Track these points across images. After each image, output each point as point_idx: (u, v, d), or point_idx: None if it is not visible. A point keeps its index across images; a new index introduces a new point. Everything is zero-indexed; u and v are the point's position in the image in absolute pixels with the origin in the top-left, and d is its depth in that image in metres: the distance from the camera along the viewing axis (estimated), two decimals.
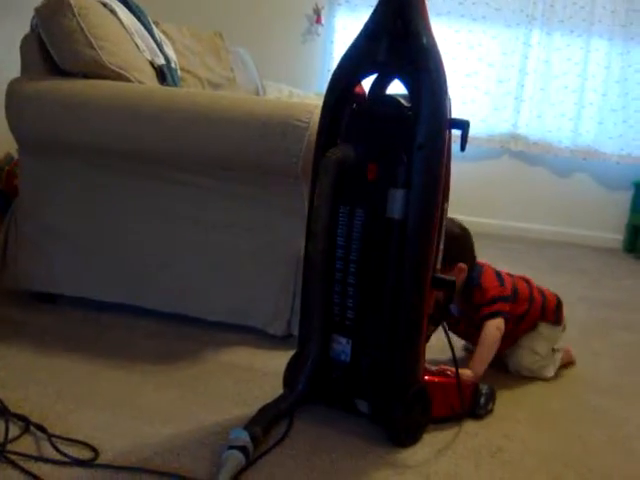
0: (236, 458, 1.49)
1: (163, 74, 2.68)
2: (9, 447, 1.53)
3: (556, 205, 5.28)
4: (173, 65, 2.83)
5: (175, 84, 2.79)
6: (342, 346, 1.81)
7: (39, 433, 1.60)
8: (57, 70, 2.36)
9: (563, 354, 2.35)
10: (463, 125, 1.69)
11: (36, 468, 1.46)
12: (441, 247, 1.74)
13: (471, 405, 1.92)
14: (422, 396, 1.77)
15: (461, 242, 2.17)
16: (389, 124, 1.72)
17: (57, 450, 1.53)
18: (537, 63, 5.13)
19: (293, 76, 5.01)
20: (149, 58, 2.64)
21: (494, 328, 2.08)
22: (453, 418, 1.87)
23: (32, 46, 2.38)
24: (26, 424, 1.62)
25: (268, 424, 1.67)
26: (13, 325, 2.27)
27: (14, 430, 1.60)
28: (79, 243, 2.39)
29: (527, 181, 5.30)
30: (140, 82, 2.40)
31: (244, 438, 1.54)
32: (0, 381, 1.80)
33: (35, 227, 2.41)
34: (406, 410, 1.73)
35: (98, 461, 1.51)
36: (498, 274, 2.21)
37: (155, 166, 2.28)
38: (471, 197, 5.22)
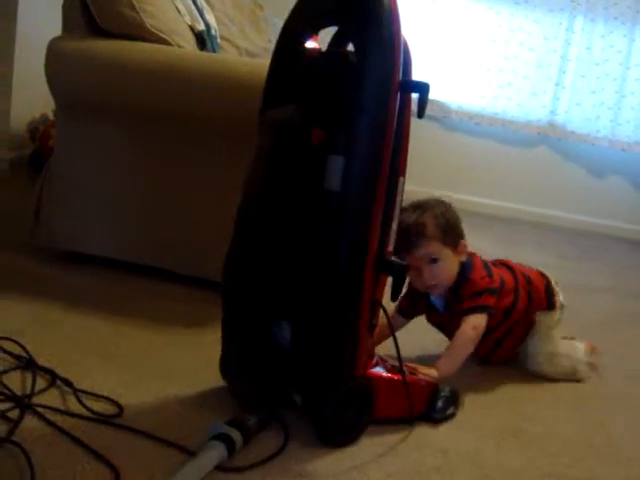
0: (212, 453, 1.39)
1: (203, 40, 2.67)
2: (35, 399, 1.55)
3: (591, 195, 5.21)
4: (213, 32, 2.82)
5: (214, 51, 2.79)
6: (283, 331, 1.62)
7: (65, 387, 1.62)
8: (98, 30, 2.36)
9: (588, 347, 2.21)
10: (421, 88, 1.52)
11: (60, 421, 1.48)
12: (394, 227, 1.56)
13: (426, 408, 1.73)
14: (359, 393, 1.59)
15: (458, 217, 1.97)
16: (335, 83, 1.54)
17: (82, 404, 1.55)
18: (579, 49, 5.06)
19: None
20: (189, 23, 2.63)
21: (470, 327, 1.88)
22: (402, 420, 1.69)
23: (74, 5, 2.37)
24: (52, 377, 1.65)
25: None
26: (43, 282, 2.29)
27: (40, 383, 1.62)
28: (111, 204, 2.40)
29: (562, 169, 5.24)
30: (180, 46, 2.40)
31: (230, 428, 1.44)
32: (28, 335, 1.82)
33: (68, 186, 2.43)
34: (337, 407, 1.54)
35: (122, 418, 1.53)
36: (486, 264, 2.02)
37: (191, 131, 2.28)
38: (505, 182, 5.20)
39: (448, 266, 1.91)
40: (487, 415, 1.83)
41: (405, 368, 1.66)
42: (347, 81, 1.48)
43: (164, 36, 2.35)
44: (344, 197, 1.48)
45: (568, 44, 5.06)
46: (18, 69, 3.90)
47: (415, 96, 1.53)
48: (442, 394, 1.74)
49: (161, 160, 2.33)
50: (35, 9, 3.90)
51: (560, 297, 2.13)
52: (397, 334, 1.65)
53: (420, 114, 1.53)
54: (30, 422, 1.46)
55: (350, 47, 1.56)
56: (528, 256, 3.91)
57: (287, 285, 1.60)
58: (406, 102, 1.53)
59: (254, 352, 1.65)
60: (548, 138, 5.18)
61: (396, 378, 1.65)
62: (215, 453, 1.37)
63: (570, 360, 2.12)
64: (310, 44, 1.60)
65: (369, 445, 1.59)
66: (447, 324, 2.01)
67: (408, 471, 1.52)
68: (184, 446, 1.44)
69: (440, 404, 1.73)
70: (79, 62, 2.30)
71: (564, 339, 2.15)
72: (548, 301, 2.10)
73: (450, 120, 5.20)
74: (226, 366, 1.67)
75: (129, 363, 1.79)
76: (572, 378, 2.12)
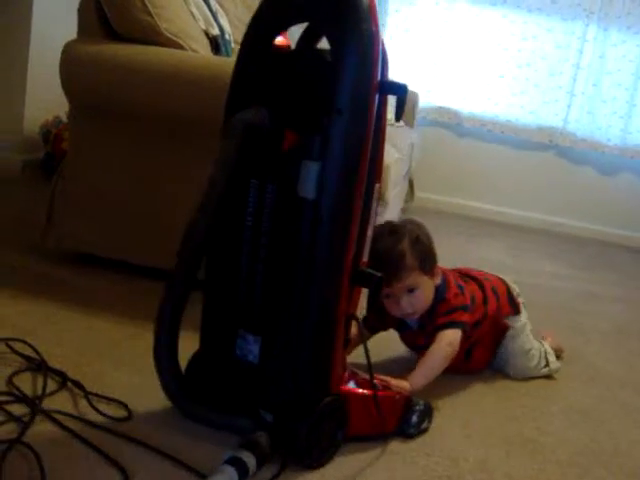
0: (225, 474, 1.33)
1: (217, 45, 2.69)
2: (46, 401, 1.55)
3: (599, 203, 5.21)
4: (227, 37, 2.83)
5: (228, 55, 2.79)
6: (249, 345, 1.52)
7: (76, 389, 1.62)
8: (113, 34, 2.37)
9: (551, 341, 2.26)
10: (400, 89, 1.43)
11: (71, 423, 1.48)
12: (369, 235, 1.49)
13: (400, 423, 1.66)
14: (335, 411, 1.49)
15: (432, 241, 1.90)
16: (309, 83, 1.45)
17: (93, 407, 1.56)
18: (592, 58, 5.06)
19: None
20: (204, 27, 2.64)
21: (445, 343, 1.83)
22: (376, 437, 1.62)
23: (89, 9, 2.38)
24: (63, 379, 1.65)
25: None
26: (57, 284, 2.30)
27: (51, 385, 1.63)
28: (123, 207, 2.40)
29: (572, 177, 5.24)
30: (194, 51, 2.41)
31: (243, 454, 1.37)
32: (39, 337, 1.82)
33: (80, 189, 2.43)
34: (312, 427, 1.44)
35: (132, 421, 1.53)
36: (457, 283, 1.95)
37: (206, 136, 2.28)
38: (515, 189, 5.21)
39: (426, 293, 1.86)
40: (496, 424, 1.83)
41: (376, 381, 1.59)
42: (322, 81, 1.40)
43: (178, 40, 2.36)
44: (319, 205, 1.38)
45: (580, 53, 5.06)
46: (32, 72, 3.92)
47: (393, 98, 1.46)
48: (417, 408, 1.68)
49: (175, 164, 2.34)
50: (50, 12, 3.92)
51: (521, 299, 2.15)
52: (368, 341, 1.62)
53: (398, 117, 1.48)
54: (41, 424, 1.46)
55: (321, 45, 1.51)
56: (538, 265, 3.93)
57: (254, 297, 1.51)
58: (383, 104, 1.44)
59: (218, 365, 1.59)
60: (559, 146, 5.19)
61: (369, 394, 1.57)
62: (224, 478, 1.33)
63: (541, 355, 2.14)
64: (279, 41, 1.51)
65: (376, 451, 1.58)
66: (420, 343, 1.93)
67: (417, 478, 1.51)
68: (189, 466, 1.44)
69: (415, 418, 1.67)
70: (94, 65, 2.30)
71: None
72: (512, 306, 2.09)
73: (462, 127, 5.21)
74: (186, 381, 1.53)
75: (139, 366, 1.79)
76: (545, 373, 2.15)
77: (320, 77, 1.42)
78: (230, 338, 1.55)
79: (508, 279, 2.18)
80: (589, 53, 5.07)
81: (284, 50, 1.52)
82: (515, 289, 2.15)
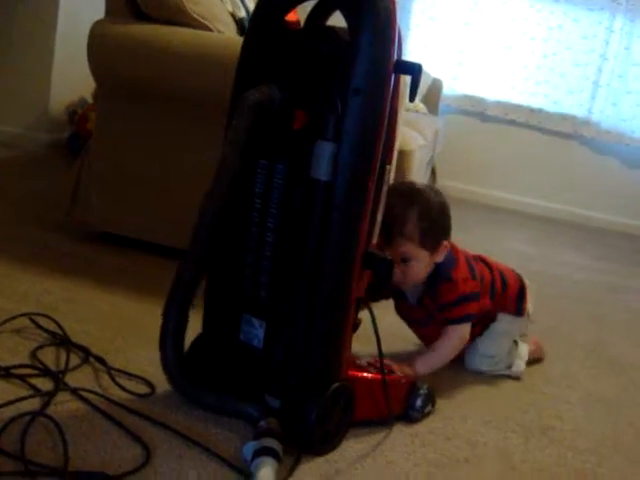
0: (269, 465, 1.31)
1: (243, 27, 2.68)
2: (68, 375, 1.57)
3: (624, 195, 5.17)
4: None
5: None
6: (254, 329, 1.50)
7: (98, 365, 1.64)
8: (140, 15, 2.38)
9: (532, 346, 2.10)
10: (414, 69, 1.39)
11: (93, 398, 1.49)
12: (379, 219, 1.46)
13: (404, 407, 1.64)
14: (343, 396, 1.48)
15: (448, 215, 1.80)
16: (323, 62, 1.40)
17: (115, 382, 1.57)
18: (618, 49, 5.03)
19: None
20: (230, 10, 2.64)
21: (457, 338, 1.81)
22: (380, 422, 1.59)
23: None
24: (86, 355, 1.67)
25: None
26: (81, 261, 2.32)
27: (74, 360, 1.64)
28: (148, 187, 2.42)
29: (596, 168, 5.21)
30: (220, 32, 2.41)
31: (269, 442, 1.35)
32: (64, 312, 1.84)
33: (106, 168, 2.45)
34: (322, 413, 1.42)
35: (154, 397, 1.55)
36: (469, 264, 1.85)
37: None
38: (538, 179, 5.18)
39: (420, 267, 1.76)
40: (515, 411, 1.83)
41: (377, 363, 1.58)
42: (336, 60, 1.37)
43: (205, 22, 2.36)
44: (333, 187, 1.35)
45: (606, 43, 5.03)
46: (58, 53, 3.95)
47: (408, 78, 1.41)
48: (421, 392, 1.65)
49: (199, 143, 2.34)
50: None
51: (530, 306, 2.02)
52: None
53: (412, 97, 1.42)
54: (63, 398, 1.48)
55: (329, 22, 1.49)
56: (561, 255, 3.91)
57: (260, 281, 1.49)
58: (396, 83, 1.41)
59: (221, 349, 1.57)
60: (583, 136, 5.15)
61: (376, 378, 1.56)
62: (271, 470, 1.30)
63: (507, 359, 2.00)
64: (289, 17, 1.47)
65: (396, 434, 1.59)
66: (417, 317, 1.92)
67: (436, 461, 1.52)
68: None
69: (419, 402, 1.65)
70: (121, 45, 2.31)
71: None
72: (517, 306, 1.98)
73: (486, 115, 5.19)
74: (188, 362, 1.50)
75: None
76: (506, 374, 2.00)
77: (333, 55, 1.39)
78: (234, 322, 1.53)
79: (530, 284, 2.05)
80: (615, 44, 5.03)
81: (294, 27, 1.47)
82: (529, 294, 2.02)
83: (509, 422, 1.75)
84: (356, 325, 1.52)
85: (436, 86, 4.65)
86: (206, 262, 1.44)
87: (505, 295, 1.95)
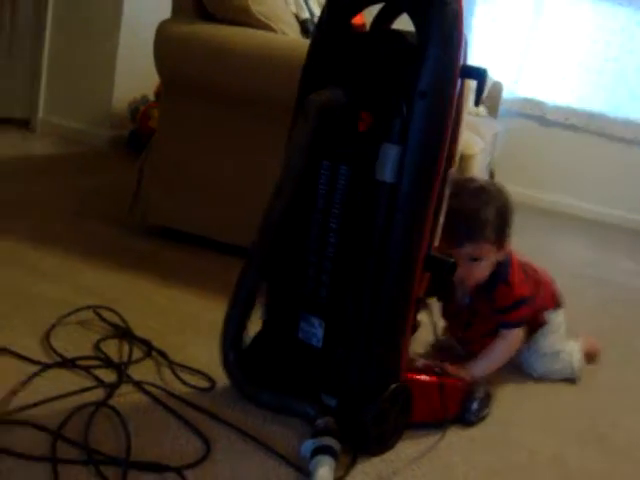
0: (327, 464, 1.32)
1: (306, 28, 2.70)
2: (131, 368, 1.60)
3: None
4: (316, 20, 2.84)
5: None
6: (314, 328, 1.51)
7: (160, 358, 1.67)
8: (206, 15, 2.41)
9: (587, 344, 2.09)
10: (480, 74, 1.39)
11: (155, 390, 1.52)
12: (441, 220, 1.46)
13: (461, 410, 1.63)
14: (401, 397, 1.48)
15: (513, 212, 1.79)
16: (390, 65, 1.41)
17: (176, 376, 1.60)
18: None
19: None
20: (294, 11, 2.66)
21: (516, 341, 1.82)
22: (435, 425, 1.58)
23: None
24: (148, 348, 1.70)
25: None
26: (142, 256, 2.36)
27: (136, 353, 1.68)
28: (209, 185, 2.45)
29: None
30: (284, 34, 2.43)
31: (327, 440, 1.36)
32: (127, 306, 1.88)
33: (168, 165, 2.48)
34: (379, 414, 1.43)
35: (214, 391, 1.57)
36: (520, 265, 1.86)
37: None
38: (599, 185, 5.11)
39: (487, 266, 1.76)
40: (571, 418, 1.82)
41: (436, 368, 1.61)
42: (402, 63, 1.38)
43: (269, 22, 2.39)
44: (398, 189, 1.36)
45: None
46: (122, 51, 4.01)
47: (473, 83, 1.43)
48: (477, 395, 1.65)
49: (261, 144, 2.36)
50: None
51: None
52: None
53: (477, 102, 1.44)
54: (126, 389, 1.51)
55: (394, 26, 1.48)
56: (619, 262, 3.86)
57: (322, 281, 1.50)
58: (462, 88, 1.41)
59: (279, 347, 1.58)
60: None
61: (433, 381, 1.56)
62: (329, 468, 1.31)
63: (569, 358, 2.00)
64: (355, 20, 1.48)
65: (453, 437, 1.59)
66: (463, 319, 1.90)
67: (492, 466, 1.52)
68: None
69: (475, 406, 1.64)
70: (187, 45, 2.34)
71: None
72: (555, 300, 1.99)
73: (545, 119, 5.13)
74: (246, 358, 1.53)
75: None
76: (568, 376, 2.00)
77: (399, 59, 1.39)
78: (293, 321, 1.54)
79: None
80: None
81: (360, 30, 1.49)
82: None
83: (564, 431, 1.74)
84: (415, 327, 1.53)
85: (496, 89, 4.61)
86: (269, 264, 1.46)
87: (543, 292, 1.94)
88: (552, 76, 5.10)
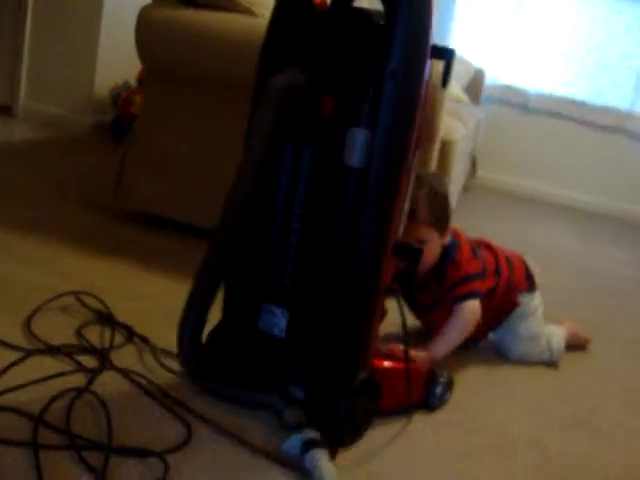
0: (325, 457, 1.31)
1: None
2: (113, 353, 1.60)
3: None
4: None
5: None
6: (276, 318, 1.47)
7: (141, 344, 1.67)
8: (187, 0, 2.40)
9: (570, 329, 2.12)
10: (448, 54, 1.35)
11: (137, 377, 1.52)
12: (406, 206, 1.42)
13: (424, 395, 1.63)
14: (370, 386, 1.45)
15: (449, 196, 1.83)
16: (354, 46, 1.35)
17: (158, 362, 1.60)
18: None
19: None
20: None
21: (468, 312, 1.79)
22: (400, 411, 1.56)
23: None
24: (130, 334, 1.70)
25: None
26: (124, 242, 2.36)
27: (118, 338, 1.68)
28: (191, 171, 2.44)
29: (638, 162, 5.13)
30: (266, 18, 2.42)
31: (311, 433, 1.35)
32: (108, 292, 1.87)
33: (150, 151, 2.48)
34: (351, 404, 1.40)
35: None
36: (472, 246, 1.88)
37: None
38: (581, 172, 5.11)
39: (432, 250, 1.77)
40: (551, 402, 1.83)
41: (396, 352, 1.57)
42: (371, 43, 1.32)
43: (251, 7, 2.38)
44: (367, 174, 1.32)
45: None
46: (104, 36, 3.98)
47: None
48: (440, 379, 1.65)
49: (243, 127, 2.35)
50: None
51: (539, 278, 2.04)
52: None
53: (444, 82, 1.39)
54: (108, 375, 1.51)
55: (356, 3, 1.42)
56: (602, 250, 3.88)
57: (285, 270, 1.45)
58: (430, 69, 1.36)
59: (239, 338, 1.54)
60: (626, 130, 5.08)
61: (398, 367, 1.53)
62: (329, 462, 1.31)
63: (548, 342, 2.03)
64: None
65: (431, 422, 1.60)
66: (422, 303, 1.91)
67: (471, 449, 1.53)
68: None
69: (439, 389, 1.64)
70: (169, 31, 2.34)
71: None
72: (529, 282, 2.00)
73: (528, 107, 5.14)
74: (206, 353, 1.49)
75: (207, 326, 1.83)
76: (545, 360, 2.03)
77: (365, 39, 1.34)
78: (253, 310, 1.50)
79: (529, 258, 2.07)
80: None
81: (321, 7, 1.40)
82: (536, 268, 2.04)
83: (544, 413, 1.76)
84: (383, 314, 1.51)
85: (479, 76, 4.62)
86: (229, 255, 1.42)
87: (514, 274, 1.96)
88: (534, 64, 5.11)
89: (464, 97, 4.27)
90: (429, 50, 1.32)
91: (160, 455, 1.26)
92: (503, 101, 5.15)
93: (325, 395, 1.41)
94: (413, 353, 1.62)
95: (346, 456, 1.40)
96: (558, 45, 5.05)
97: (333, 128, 1.35)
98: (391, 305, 1.50)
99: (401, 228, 1.43)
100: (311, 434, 1.35)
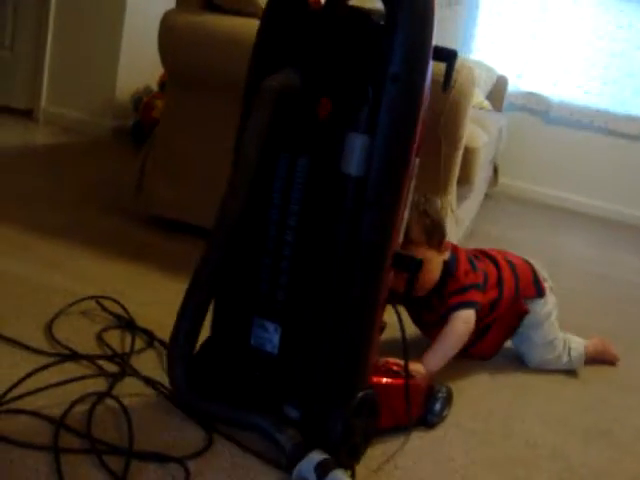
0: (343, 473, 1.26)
1: None
2: (133, 358, 1.60)
3: None
4: None
5: None
6: (268, 334, 1.39)
7: (162, 349, 1.66)
8: (210, 5, 2.40)
9: (596, 346, 2.10)
10: (450, 56, 1.30)
11: (157, 382, 1.51)
12: (405, 216, 1.35)
13: (423, 412, 1.57)
14: (369, 404, 1.38)
15: (442, 218, 1.81)
16: (352, 46, 1.28)
17: None
18: None
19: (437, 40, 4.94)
20: None
21: (461, 321, 1.73)
22: (399, 429, 1.51)
23: None
24: (150, 339, 1.70)
25: None
26: (145, 247, 2.36)
27: (139, 343, 1.68)
28: (212, 176, 2.42)
29: None
30: None
31: (316, 454, 1.28)
32: (129, 296, 1.87)
33: (171, 156, 2.48)
34: (349, 423, 1.32)
35: None
36: (470, 259, 1.85)
37: None
38: (604, 181, 5.07)
39: (433, 268, 1.75)
40: (574, 413, 1.81)
41: (395, 367, 1.51)
42: (371, 44, 1.26)
43: None
44: (366, 182, 1.26)
45: None
46: (126, 41, 4.00)
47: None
48: (440, 395, 1.59)
49: None
50: None
51: (548, 283, 2.00)
52: None
53: (445, 86, 1.34)
54: (129, 380, 1.51)
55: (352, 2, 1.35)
56: (623, 260, 3.85)
57: (278, 283, 1.38)
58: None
59: (230, 355, 1.46)
60: None
61: (397, 384, 1.46)
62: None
63: (565, 347, 2.00)
64: None
65: (454, 431, 1.59)
66: (428, 320, 1.87)
67: (494, 459, 1.51)
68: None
69: (438, 406, 1.58)
70: (192, 36, 2.34)
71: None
72: (536, 288, 1.96)
73: (550, 114, 5.11)
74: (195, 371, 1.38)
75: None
76: (564, 366, 2.01)
77: (364, 39, 1.28)
78: (244, 326, 1.42)
79: (536, 263, 2.03)
80: None
81: (316, 6, 1.33)
82: (543, 273, 2.01)
83: (567, 424, 1.74)
84: (382, 328, 1.43)
85: (501, 83, 4.61)
86: (222, 267, 1.34)
87: (520, 282, 1.93)
88: (557, 71, 5.08)
89: (487, 104, 4.25)
90: (431, 51, 1.27)
91: (180, 461, 1.26)
92: (525, 108, 5.13)
93: (321, 414, 1.33)
94: (411, 367, 1.55)
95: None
96: (581, 52, 5.02)
97: (330, 133, 1.29)
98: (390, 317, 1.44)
99: (401, 237, 1.37)
100: (317, 455, 1.27)
